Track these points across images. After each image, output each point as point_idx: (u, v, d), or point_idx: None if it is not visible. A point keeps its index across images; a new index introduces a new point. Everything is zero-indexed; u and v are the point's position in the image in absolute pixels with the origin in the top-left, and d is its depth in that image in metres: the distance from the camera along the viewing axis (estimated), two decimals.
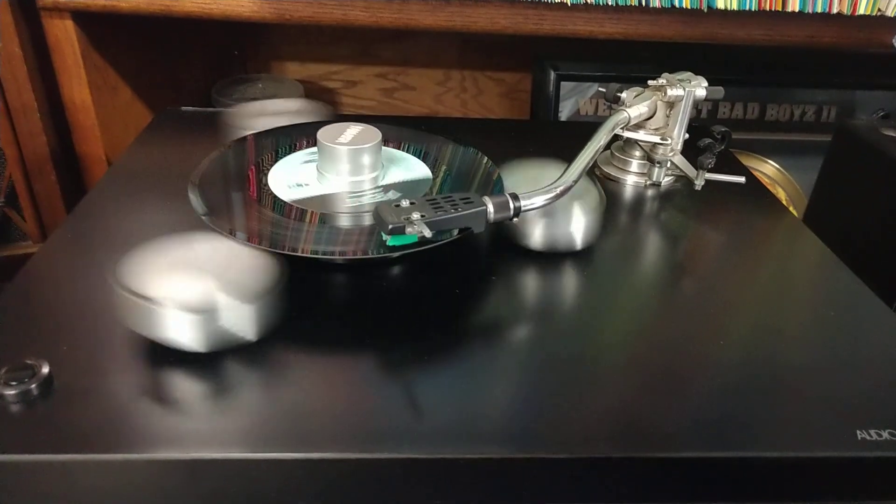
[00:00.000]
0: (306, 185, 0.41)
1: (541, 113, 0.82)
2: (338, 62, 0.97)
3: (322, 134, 0.41)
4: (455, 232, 0.35)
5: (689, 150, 0.48)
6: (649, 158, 0.49)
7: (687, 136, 0.48)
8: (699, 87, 0.47)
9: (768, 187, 0.61)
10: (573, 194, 0.38)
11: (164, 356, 0.31)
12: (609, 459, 0.28)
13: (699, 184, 0.48)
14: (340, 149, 0.40)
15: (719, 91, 0.48)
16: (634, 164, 0.50)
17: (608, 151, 0.52)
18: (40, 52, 0.62)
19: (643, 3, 0.59)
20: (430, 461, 0.27)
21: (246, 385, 0.29)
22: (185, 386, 0.29)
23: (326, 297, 0.36)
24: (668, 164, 0.48)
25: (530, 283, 0.38)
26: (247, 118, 0.49)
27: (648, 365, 0.32)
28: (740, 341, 0.34)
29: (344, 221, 0.38)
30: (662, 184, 0.49)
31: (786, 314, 0.37)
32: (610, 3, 0.60)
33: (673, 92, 0.46)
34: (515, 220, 0.36)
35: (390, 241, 0.33)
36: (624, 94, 0.48)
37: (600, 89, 0.78)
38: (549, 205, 0.37)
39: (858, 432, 0.29)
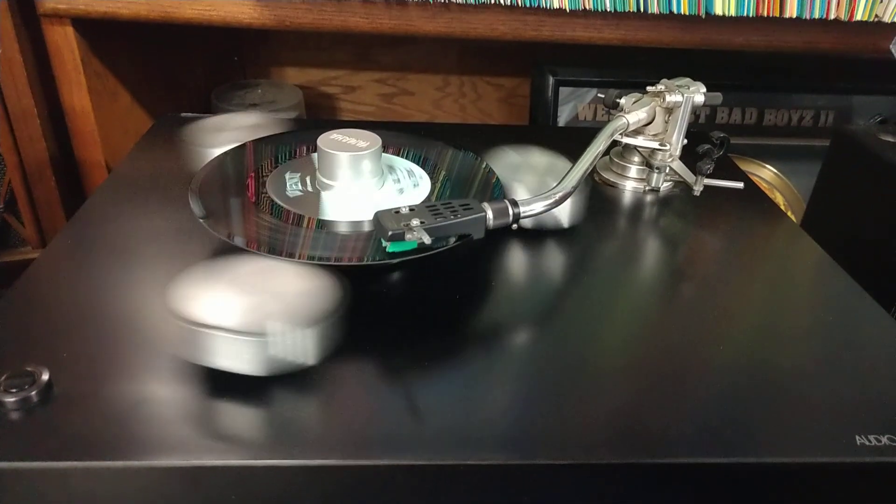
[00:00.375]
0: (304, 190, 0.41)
1: (539, 118, 0.82)
2: (337, 67, 0.98)
3: (323, 140, 0.41)
4: (454, 238, 0.35)
5: (688, 156, 0.48)
6: (648, 164, 0.49)
7: (685, 141, 0.48)
8: (697, 93, 0.47)
9: (766, 192, 0.61)
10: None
11: (163, 364, 0.31)
12: (609, 466, 0.28)
13: (698, 189, 0.48)
14: (341, 155, 0.40)
15: (717, 97, 0.48)
16: (633, 170, 0.50)
17: (607, 157, 0.52)
18: (40, 57, 0.62)
19: (641, 10, 0.60)
20: (431, 467, 0.27)
21: (245, 392, 0.29)
22: (185, 393, 0.29)
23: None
24: (667, 170, 0.48)
25: (530, 288, 0.38)
26: (204, 134, 0.47)
27: (648, 371, 0.32)
28: (739, 347, 0.34)
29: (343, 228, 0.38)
30: (661, 189, 0.49)
31: (784, 319, 0.37)
32: (608, 10, 0.60)
33: (671, 98, 0.46)
34: (515, 226, 0.36)
35: (390, 247, 0.33)
36: (622, 100, 0.48)
37: (599, 95, 0.78)
38: (549, 211, 0.37)
39: (858, 438, 0.29)
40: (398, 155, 0.46)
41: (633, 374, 0.32)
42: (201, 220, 0.36)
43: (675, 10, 0.59)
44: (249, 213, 0.38)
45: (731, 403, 0.30)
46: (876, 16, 0.59)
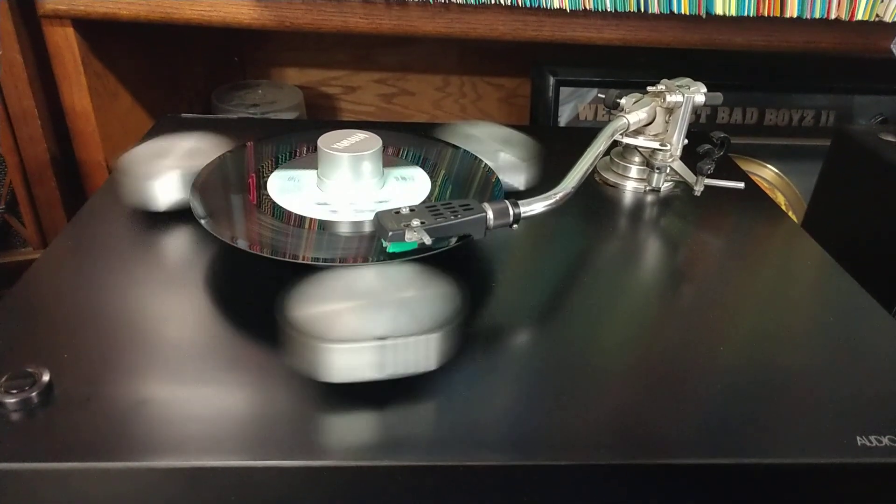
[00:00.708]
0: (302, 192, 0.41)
1: (540, 118, 0.82)
2: (337, 68, 0.98)
3: (323, 141, 0.41)
4: (454, 239, 0.35)
5: (689, 156, 0.48)
6: (648, 164, 0.49)
7: (686, 141, 0.48)
8: (698, 93, 0.47)
9: (767, 192, 0.61)
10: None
11: (164, 364, 0.31)
12: (609, 466, 0.28)
13: (698, 189, 0.48)
14: (341, 156, 0.40)
15: (718, 97, 0.48)
16: (634, 170, 0.50)
17: (607, 157, 0.52)
18: (40, 58, 0.62)
19: (642, 10, 0.60)
20: (431, 468, 0.27)
21: (246, 392, 0.30)
22: (186, 393, 0.29)
23: None
24: (668, 170, 0.48)
25: (530, 288, 0.38)
26: (139, 164, 0.42)
27: (648, 371, 0.32)
28: (740, 347, 0.34)
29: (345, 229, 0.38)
30: (662, 189, 0.49)
31: (785, 320, 0.37)
32: (609, 10, 0.60)
33: (672, 98, 0.46)
34: (515, 226, 0.36)
35: (390, 247, 0.33)
36: (623, 101, 0.48)
37: (599, 95, 0.78)
38: (549, 210, 0.37)
39: (858, 438, 0.29)
40: (398, 156, 0.46)
41: (633, 374, 0.32)
42: (202, 221, 0.36)
43: (675, 9, 0.59)
44: (250, 214, 0.38)
45: (731, 404, 0.30)
46: (877, 15, 0.59)
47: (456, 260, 0.39)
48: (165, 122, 0.56)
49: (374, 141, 0.41)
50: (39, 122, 0.64)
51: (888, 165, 0.54)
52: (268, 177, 0.42)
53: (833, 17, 0.59)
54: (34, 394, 0.28)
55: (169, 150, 0.43)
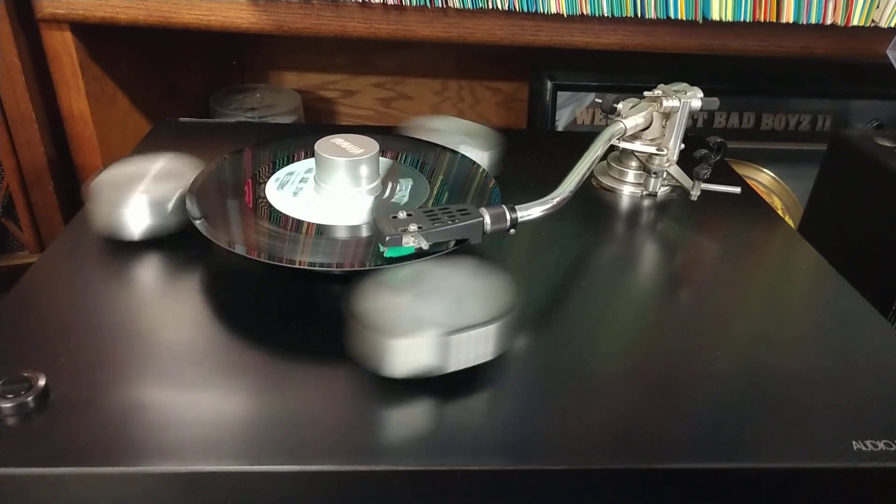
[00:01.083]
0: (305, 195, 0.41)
1: (538, 122, 0.82)
2: (335, 72, 0.98)
3: (320, 146, 0.41)
4: (452, 243, 0.35)
5: (685, 161, 0.48)
6: (645, 169, 0.49)
7: (683, 146, 0.48)
8: (695, 98, 0.47)
9: (764, 196, 0.62)
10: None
11: (161, 369, 0.31)
12: (606, 471, 0.28)
13: (695, 194, 0.48)
14: (338, 160, 0.40)
15: (714, 102, 0.48)
16: (631, 175, 0.50)
17: (604, 162, 0.52)
18: (38, 62, 0.63)
19: (639, 14, 0.60)
20: (428, 473, 0.27)
21: (244, 397, 0.29)
22: (183, 398, 0.29)
23: (324, 308, 0.36)
24: (664, 175, 0.49)
25: (528, 293, 0.38)
26: (108, 192, 0.39)
27: (645, 376, 0.32)
28: (736, 352, 0.34)
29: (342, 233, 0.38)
30: (658, 194, 0.49)
31: (781, 325, 0.37)
32: (606, 14, 0.60)
33: (669, 103, 0.47)
34: (512, 231, 0.36)
35: (387, 252, 0.33)
36: (620, 105, 0.48)
37: (597, 99, 0.78)
38: (546, 215, 0.37)
39: (854, 443, 0.29)
40: (396, 160, 0.46)
41: (630, 379, 0.32)
42: (197, 224, 0.36)
43: (672, 14, 0.60)
44: (247, 218, 0.38)
45: (728, 409, 0.30)
46: (872, 21, 0.59)
47: None
48: (163, 127, 0.56)
49: (371, 145, 0.41)
50: (37, 126, 0.64)
51: (884, 170, 0.55)
52: (265, 181, 0.42)
53: (829, 22, 0.59)
54: (30, 398, 0.27)
55: (138, 175, 0.41)
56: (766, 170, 0.83)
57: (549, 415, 0.29)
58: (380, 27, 0.62)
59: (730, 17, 0.59)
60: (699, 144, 0.48)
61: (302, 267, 0.35)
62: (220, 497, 0.27)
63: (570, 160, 0.41)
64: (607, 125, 0.46)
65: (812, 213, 0.66)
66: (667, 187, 0.50)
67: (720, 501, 0.29)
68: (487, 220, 0.35)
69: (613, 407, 0.30)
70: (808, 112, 0.81)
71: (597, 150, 0.43)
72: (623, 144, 0.48)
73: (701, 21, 0.60)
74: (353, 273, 0.34)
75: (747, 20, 0.60)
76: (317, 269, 0.36)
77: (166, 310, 0.35)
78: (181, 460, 0.26)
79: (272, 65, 0.97)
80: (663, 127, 0.48)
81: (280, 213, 0.39)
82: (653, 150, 0.48)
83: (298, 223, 0.38)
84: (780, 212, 0.83)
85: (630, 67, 0.79)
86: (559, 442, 0.28)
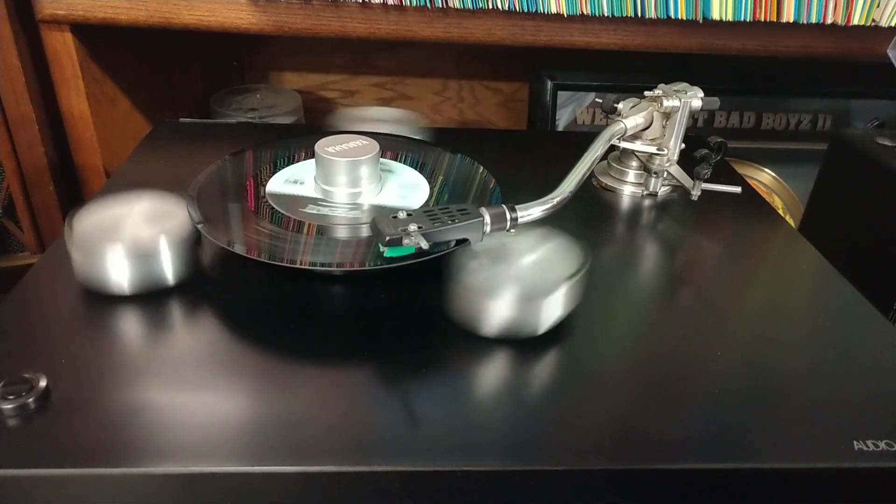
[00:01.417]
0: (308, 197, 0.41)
1: (538, 122, 0.82)
2: (335, 72, 0.98)
3: (320, 146, 0.41)
4: (452, 243, 0.35)
5: (686, 160, 0.48)
6: (646, 169, 0.49)
7: (683, 146, 0.48)
8: (695, 98, 0.47)
9: (764, 195, 0.62)
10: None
11: (161, 370, 0.31)
12: (606, 472, 0.28)
13: (695, 194, 0.48)
14: (339, 161, 0.40)
15: (715, 102, 0.48)
16: (631, 175, 0.50)
17: (605, 162, 0.52)
18: (39, 63, 0.63)
19: (639, 14, 0.60)
20: (428, 474, 0.27)
21: (244, 398, 0.30)
22: (183, 399, 0.29)
23: (324, 309, 0.36)
24: (665, 175, 0.48)
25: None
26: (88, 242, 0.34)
27: (646, 376, 0.32)
28: (737, 352, 0.34)
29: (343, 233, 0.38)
30: (659, 194, 0.49)
31: (782, 324, 0.37)
32: (606, 14, 0.60)
33: (669, 103, 0.47)
34: (512, 231, 0.36)
35: (388, 252, 0.33)
36: (620, 105, 0.48)
37: (597, 99, 0.78)
38: (547, 215, 0.37)
39: (855, 443, 0.29)
40: (396, 160, 0.46)
41: (630, 379, 0.32)
42: (198, 226, 0.36)
43: (672, 14, 0.60)
44: (248, 219, 0.38)
45: (728, 409, 0.30)
46: (873, 20, 0.59)
47: None
48: (164, 127, 0.56)
49: (371, 146, 0.41)
50: (37, 127, 0.64)
51: (884, 169, 0.55)
52: (265, 182, 0.42)
53: (829, 21, 0.59)
54: (31, 400, 0.28)
55: (121, 218, 0.36)
56: (766, 169, 0.83)
57: (550, 415, 0.29)
58: (380, 27, 0.62)
59: (730, 17, 0.59)
60: (700, 144, 0.48)
61: (303, 267, 0.35)
62: (221, 498, 0.27)
63: (570, 160, 0.41)
64: (608, 125, 0.46)
65: (812, 212, 0.66)
66: (667, 187, 0.50)
67: (721, 502, 0.29)
68: (487, 220, 0.34)
69: (614, 407, 0.30)
70: (809, 111, 0.81)
71: (597, 149, 0.43)
72: (623, 144, 0.48)
73: (701, 21, 0.60)
74: (354, 273, 0.34)
75: (747, 20, 0.60)
76: (317, 269, 0.36)
77: (166, 311, 0.35)
78: (182, 461, 0.26)
79: (272, 65, 0.97)
80: (664, 127, 0.48)
81: (281, 213, 0.39)
82: (653, 149, 0.48)
83: (299, 224, 0.38)
84: (780, 211, 0.83)
85: (630, 67, 0.79)
86: (560, 442, 0.28)
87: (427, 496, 0.27)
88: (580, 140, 0.44)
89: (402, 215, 0.34)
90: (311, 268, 0.35)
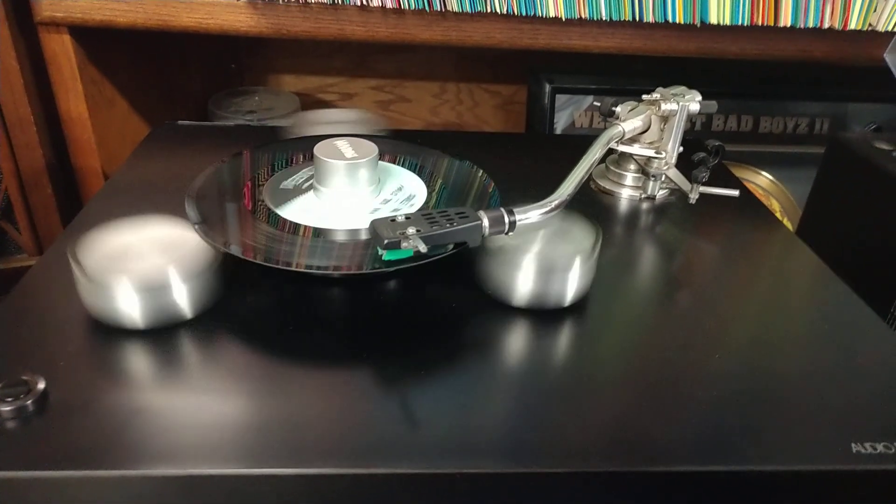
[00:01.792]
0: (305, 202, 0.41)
1: (536, 125, 0.82)
2: (334, 75, 0.98)
3: (319, 149, 0.41)
4: (450, 246, 0.35)
5: (684, 164, 0.48)
6: (644, 172, 0.49)
7: (681, 149, 0.48)
8: (693, 102, 0.47)
9: (762, 199, 0.62)
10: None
11: (160, 373, 0.31)
12: (605, 474, 0.28)
13: (693, 197, 0.48)
14: (337, 163, 0.40)
15: (713, 105, 0.48)
16: (629, 178, 0.50)
17: (603, 165, 0.52)
18: (37, 65, 0.63)
19: (637, 18, 0.60)
20: (427, 476, 0.27)
21: (242, 400, 0.29)
22: (181, 401, 0.29)
23: (322, 312, 0.36)
24: (663, 178, 0.49)
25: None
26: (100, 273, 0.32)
27: (644, 378, 0.32)
28: (734, 354, 0.34)
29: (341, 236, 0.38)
30: (657, 197, 0.49)
31: (780, 327, 0.37)
32: (604, 18, 0.60)
33: (667, 106, 0.47)
34: (510, 234, 0.36)
35: (386, 255, 0.33)
36: (618, 108, 0.48)
37: (595, 103, 0.79)
38: (545, 219, 0.37)
39: (853, 445, 0.29)
40: (394, 163, 0.46)
41: (629, 382, 0.32)
42: (196, 228, 0.36)
43: (670, 18, 0.60)
44: (246, 221, 0.38)
45: (727, 411, 0.30)
46: (870, 24, 0.60)
47: (451, 267, 0.39)
48: (162, 130, 0.56)
49: (370, 149, 0.41)
50: (35, 129, 0.64)
51: (882, 173, 0.55)
52: (263, 185, 0.42)
53: (826, 26, 0.60)
54: (29, 402, 0.27)
55: (134, 246, 0.34)
56: (764, 173, 0.83)
57: (549, 418, 0.30)
58: (378, 30, 0.62)
59: (727, 21, 0.60)
60: (697, 147, 0.48)
61: (299, 270, 0.35)
62: (219, 500, 0.27)
63: (568, 163, 0.41)
64: (606, 128, 0.46)
65: (810, 215, 0.66)
66: (665, 190, 0.50)
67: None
68: (485, 223, 0.35)
69: (611, 410, 0.30)
70: (806, 115, 0.81)
71: (595, 153, 0.43)
72: (621, 148, 0.48)
73: (699, 25, 0.60)
74: (352, 276, 0.34)
75: (745, 24, 0.60)
76: (314, 272, 0.36)
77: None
78: (180, 463, 0.26)
79: (271, 68, 0.97)
80: (661, 130, 0.48)
81: (278, 216, 0.39)
82: (651, 153, 0.48)
83: (296, 226, 0.38)
84: (778, 215, 0.83)
85: (628, 71, 0.79)
86: (559, 445, 0.28)
87: (426, 498, 0.27)
88: (578, 143, 0.44)
89: (400, 218, 0.34)
90: (307, 271, 0.35)
